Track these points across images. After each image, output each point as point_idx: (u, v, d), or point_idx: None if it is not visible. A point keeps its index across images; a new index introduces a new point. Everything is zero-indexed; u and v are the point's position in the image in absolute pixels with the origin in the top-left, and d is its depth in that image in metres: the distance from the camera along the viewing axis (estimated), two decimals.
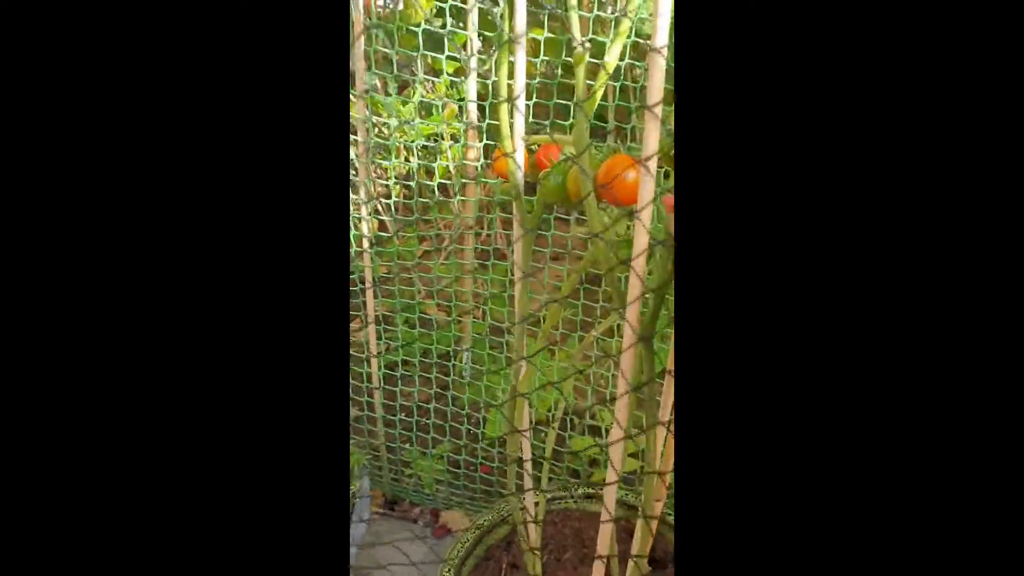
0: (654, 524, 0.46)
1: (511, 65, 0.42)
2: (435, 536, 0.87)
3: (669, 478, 0.59)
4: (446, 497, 0.90)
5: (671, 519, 0.69)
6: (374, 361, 0.84)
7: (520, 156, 0.44)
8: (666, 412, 0.52)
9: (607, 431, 0.94)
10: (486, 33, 0.89)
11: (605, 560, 0.47)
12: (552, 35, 0.97)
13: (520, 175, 0.44)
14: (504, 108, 0.42)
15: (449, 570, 0.62)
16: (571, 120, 0.85)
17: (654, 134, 0.33)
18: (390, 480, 0.92)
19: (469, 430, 0.89)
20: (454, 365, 1.06)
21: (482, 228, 1.12)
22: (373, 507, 0.91)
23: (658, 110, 0.33)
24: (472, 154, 0.93)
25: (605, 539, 0.46)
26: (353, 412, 0.91)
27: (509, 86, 0.42)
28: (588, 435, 0.95)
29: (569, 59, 0.80)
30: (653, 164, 0.34)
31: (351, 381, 0.88)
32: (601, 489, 0.73)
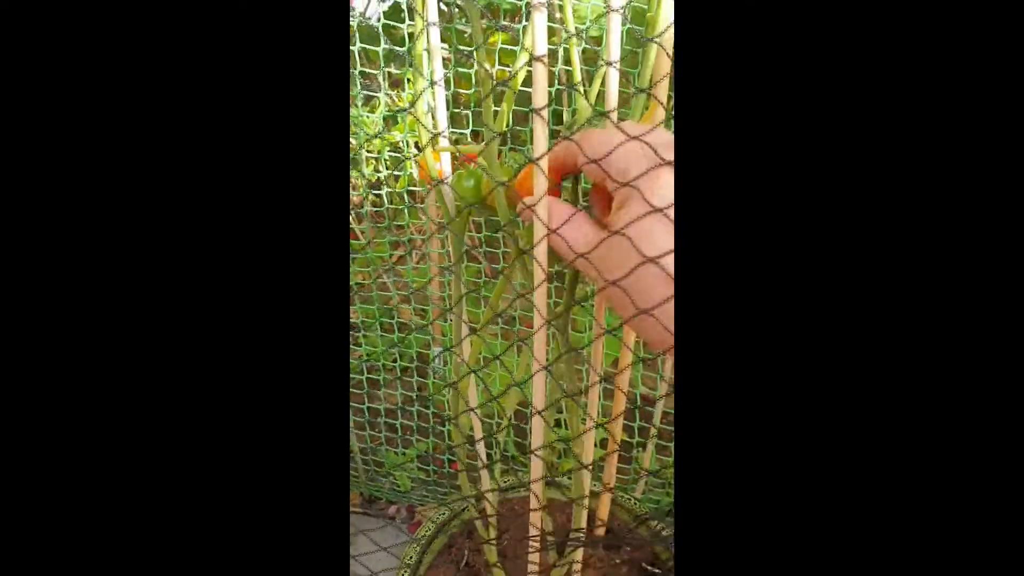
0: (584, 502, 0.50)
1: (430, 82, 0.45)
2: (411, 531, 0.90)
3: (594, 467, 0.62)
4: (420, 495, 0.94)
5: (624, 500, 0.72)
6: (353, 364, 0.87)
7: (447, 165, 0.47)
8: (593, 410, 0.55)
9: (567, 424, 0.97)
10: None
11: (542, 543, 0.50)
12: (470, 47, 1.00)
13: (440, 182, 0.47)
14: (423, 118, 0.45)
15: (416, 546, 0.65)
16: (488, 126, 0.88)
17: (542, 136, 0.36)
18: (366, 480, 0.95)
19: (439, 430, 0.92)
20: (416, 367, 1.09)
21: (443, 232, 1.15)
22: (352, 506, 0.94)
23: (544, 113, 0.36)
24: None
25: (537, 521, 0.49)
26: None
27: (428, 101, 0.46)
28: (556, 427, 0.98)
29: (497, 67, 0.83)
30: (544, 163, 0.37)
31: None
32: (567, 477, 0.76)
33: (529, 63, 0.37)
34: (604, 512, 0.64)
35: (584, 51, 0.92)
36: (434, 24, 0.45)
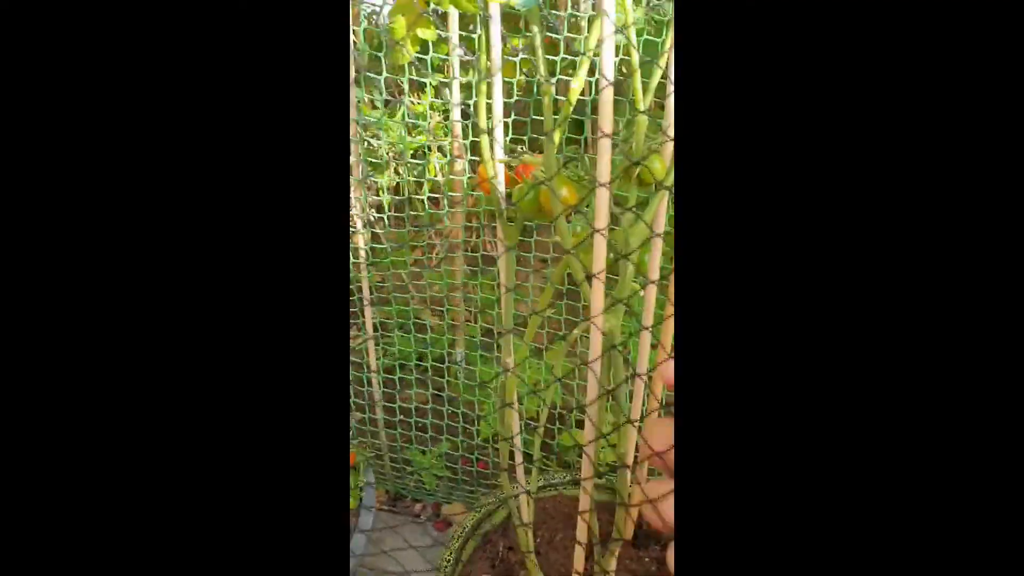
0: (632, 511, 0.52)
1: (489, 97, 0.48)
2: (436, 528, 0.92)
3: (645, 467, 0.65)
4: (446, 493, 0.96)
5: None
6: (374, 367, 0.89)
7: (501, 178, 0.49)
8: (636, 411, 0.58)
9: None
10: (466, 57, 0.94)
11: (585, 545, 0.52)
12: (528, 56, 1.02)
13: (501, 197, 0.49)
14: (484, 136, 0.47)
15: (450, 553, 0.67)
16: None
17: (606, 159, 0.39)
18: (393, 478, 0.97)
19: (465, 428, 0.95)
20: (448, 367, 1.11)
21: (471, 236, 1.18)
22: (377, 504, 0.96)
23: (607, 142, 0.38)
24: (459, 167, 0.98)
25: (583, 528, 0.52)
26: (357, 416, 0.97)
27: (488, 115, 0.48)
28: (577, 428, 1.00)
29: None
30: (606, 186, 0.39)
31: (352, 387, 0.94)
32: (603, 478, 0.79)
33: (592, 75, 0.39)
34: (634, 511, 0.67)
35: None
36: (498, 35, 0.47)
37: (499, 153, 0.50)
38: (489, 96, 0.48)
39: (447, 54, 0.97)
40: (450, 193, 1.03)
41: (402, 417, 0.94)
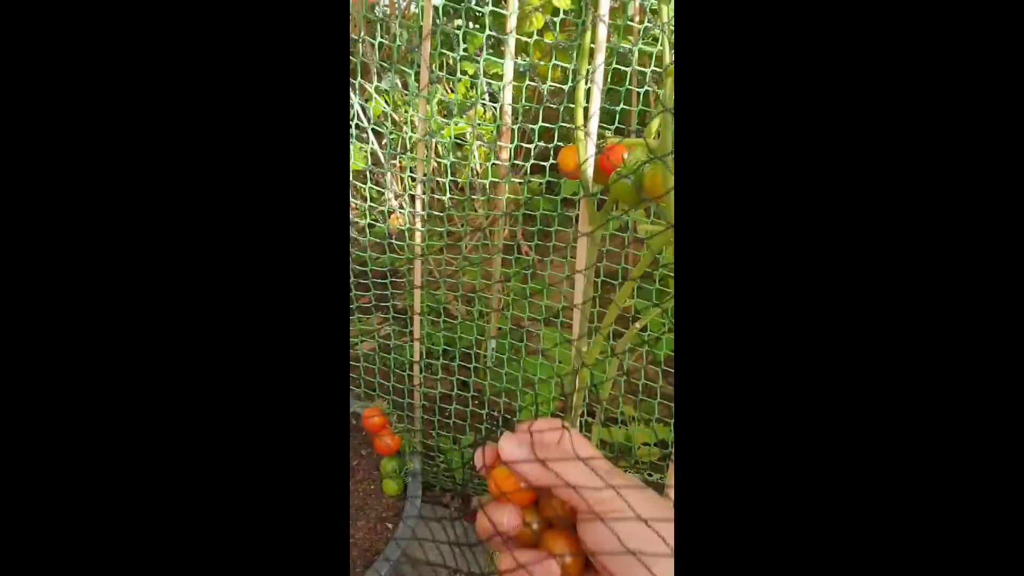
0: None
1: (588, 81, 0.46)
2: (467, 520, 0.91)
3: None
4: (475, 483, 0.95)
5: None
6: (416, 352, 0.87)
7: (592, 159, 0.48)
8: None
9: (625, 422, 0.98)
10: (520, 38, 0.92)
11: None
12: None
13: (591, 176, 0.48)
14: (579, 111, 0.46)
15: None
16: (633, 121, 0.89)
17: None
18: (424, 468, 0.96)
19: (495, 417, 0.94)
20: (477, 354, 1.10)
21: (506, 225, 1.16)
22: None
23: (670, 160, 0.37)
24: (504, 155, 0.97)
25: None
26: (391, 400, 0.95)
27: (587, 92, 0.47)
28: (607, 426, 0.99)
29: (619, 66, 0.83)
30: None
31: (391, 373, 0.92)
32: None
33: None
34: None
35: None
36: (604, 18, 0.45)
37: (593, 134, 0.48)
38: (588, 80, 0.47)
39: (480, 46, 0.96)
40: (494, 180, 1.02)
41: (429, 404, 0.92)
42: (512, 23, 0.90)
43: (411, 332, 0.87)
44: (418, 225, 0.89)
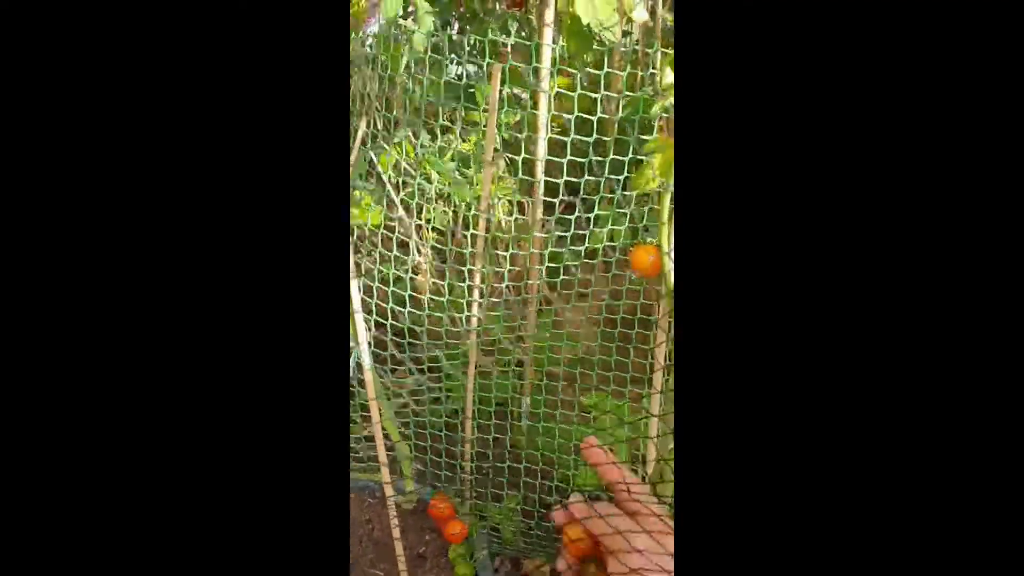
0: None
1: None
2: None
3: None
4: (521, 546, 0.93)
5: None
6: (469, 408, 0.86)
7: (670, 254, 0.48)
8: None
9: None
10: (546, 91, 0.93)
11: None
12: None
13: (671, 276, 0.48)
14: (665, 206, 0.46)
15: None
16: None
17: None
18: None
19: (534, 471, 0.92)
20: (510, 412, 1.09)
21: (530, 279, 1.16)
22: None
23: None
24: (535, 211, 0.97)
25: None
26: (429, 459, 0.94)
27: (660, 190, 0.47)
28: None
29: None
30: None
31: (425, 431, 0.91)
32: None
33: None
34: None
35: None
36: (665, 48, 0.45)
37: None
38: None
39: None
40: (519, 236, 1.02)
41: (466, 463, 0.91)
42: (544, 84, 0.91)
43: (464, 386, 0.86)
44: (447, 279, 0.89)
